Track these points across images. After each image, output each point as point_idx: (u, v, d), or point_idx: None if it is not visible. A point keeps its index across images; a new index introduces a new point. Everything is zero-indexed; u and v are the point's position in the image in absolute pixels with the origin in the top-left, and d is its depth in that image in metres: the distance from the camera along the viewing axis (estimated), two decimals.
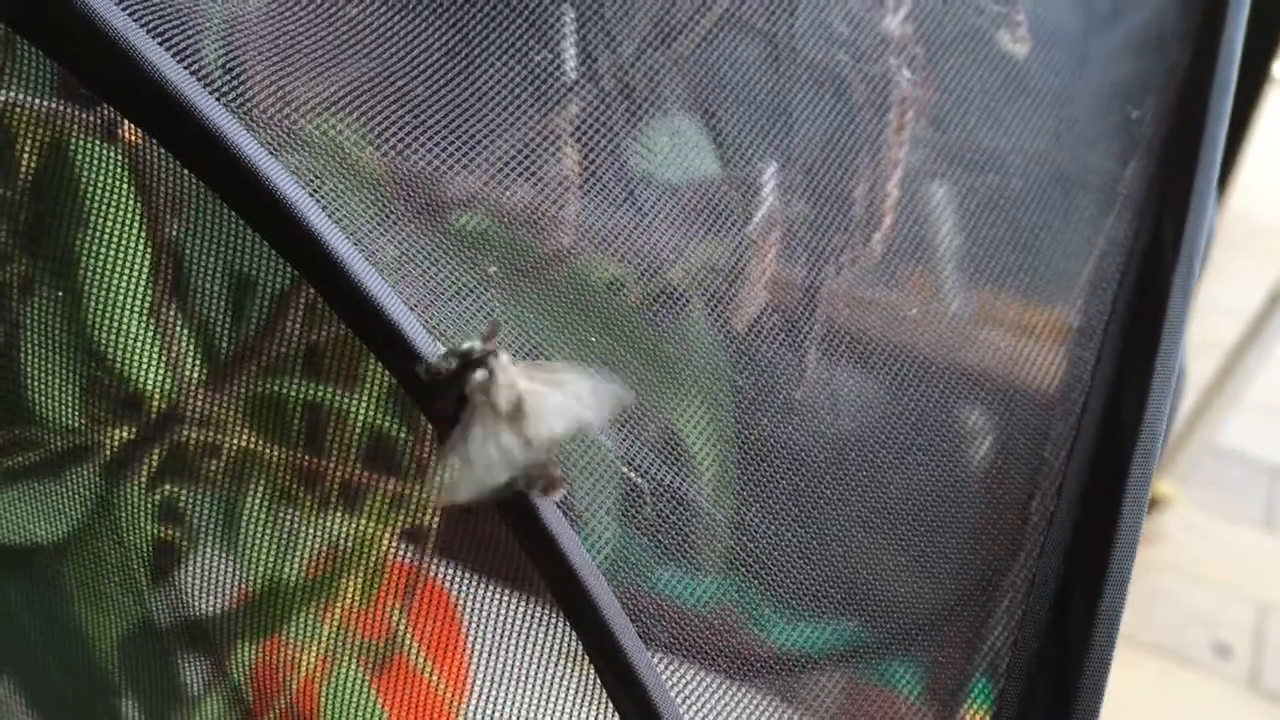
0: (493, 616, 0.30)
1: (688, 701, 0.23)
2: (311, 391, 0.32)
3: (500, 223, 0.24)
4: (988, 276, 0.27)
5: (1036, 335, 0.26)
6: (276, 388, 0.32)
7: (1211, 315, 1.02)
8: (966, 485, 0.32)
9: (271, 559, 0.30)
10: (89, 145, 0.28)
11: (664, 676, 0.21)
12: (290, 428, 0.32)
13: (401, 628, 0.31)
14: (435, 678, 0.31)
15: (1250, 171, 0.90)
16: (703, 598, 0.30)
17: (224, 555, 0.30)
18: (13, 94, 0.27)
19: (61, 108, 0.26)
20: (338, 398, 0.32)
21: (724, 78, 0.25)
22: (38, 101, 0.27)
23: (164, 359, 0.30)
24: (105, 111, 0.26)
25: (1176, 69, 0.28)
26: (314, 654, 0.30)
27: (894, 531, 0.31)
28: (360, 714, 0.29)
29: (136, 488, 0.30)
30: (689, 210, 0.27)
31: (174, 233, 0.29)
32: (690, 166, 0.27)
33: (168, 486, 0.31)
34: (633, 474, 0.23)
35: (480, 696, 0.31)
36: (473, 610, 0.31)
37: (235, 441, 0.31)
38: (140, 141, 0.24)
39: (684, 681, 0.25)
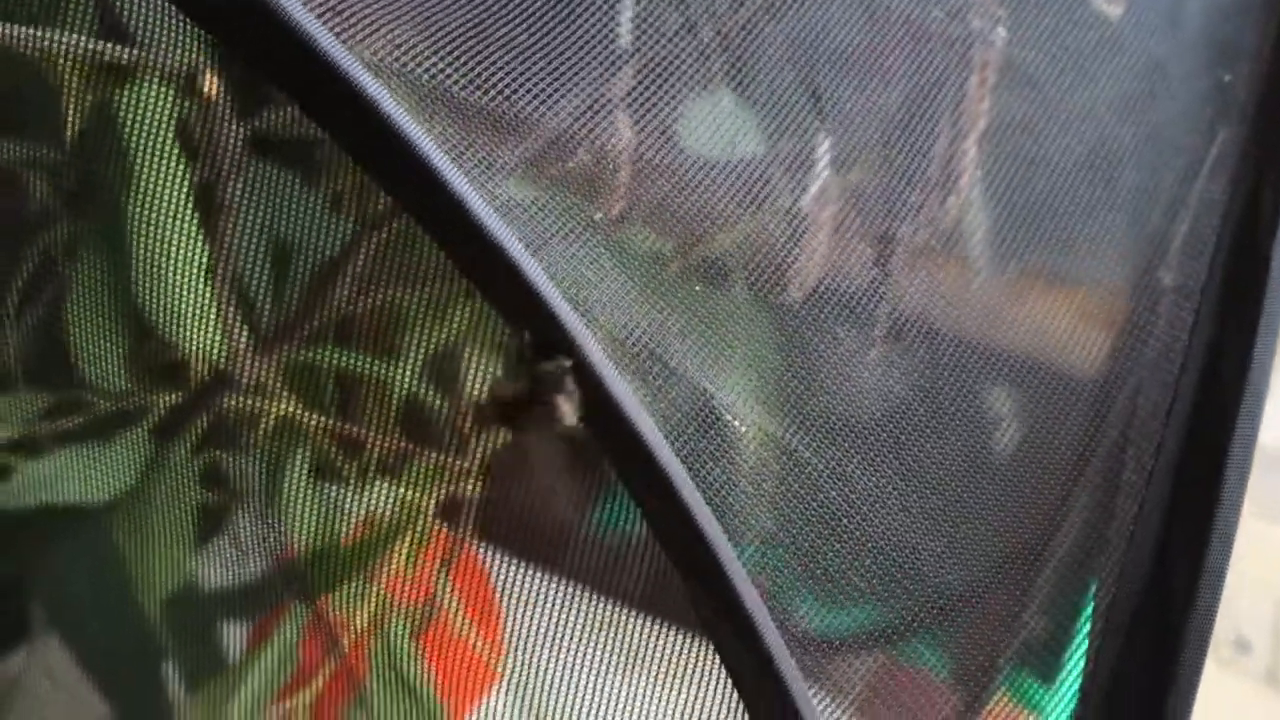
0: (523, 587, 0.31)
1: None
2: (356, 361, 0.32)
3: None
4: (1081, 234, 0.27)
5: (1115, 297, 0.26)
6: (323, 356, 0.32)
7: None
8: (1003, 464, 0.32)
9: (319, 523, 0.30)
10: (139, 102, 0.28)
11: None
12: (335, 395, 0.32)
13: (444, 589, 0.31)
14: (475, 637, 0.31)
15: None
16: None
17: (271, 519, 0.31)
18: (73, 38, 0.27)
19: (138, 54, 0.26)
20: (383, 367, 0.32)
21: (822, 32, 0.24)
22: (102, 46, 0.27)
23: (211, 323, 0.30)
24: (189, 58, 0.26)
25: (1268, 35, 0.28)
26: (365, 614, 0.30)
27: (932, 510, 0.32)
28: (408, 672, 0.29)
29: (183, 452, 0.30)
30: (745, 181, 0.27)
31: (225, 196, 0.29)
32: (745, 141, 0.27)
33: (214, 451, 0.31)
34: (734, 420, 0.23)
35: (515, 658, 0.31)
36: (504, 579, 0.31)
37: (283, 407, 0.31)
38: (214, 97, 0.24)
39: None
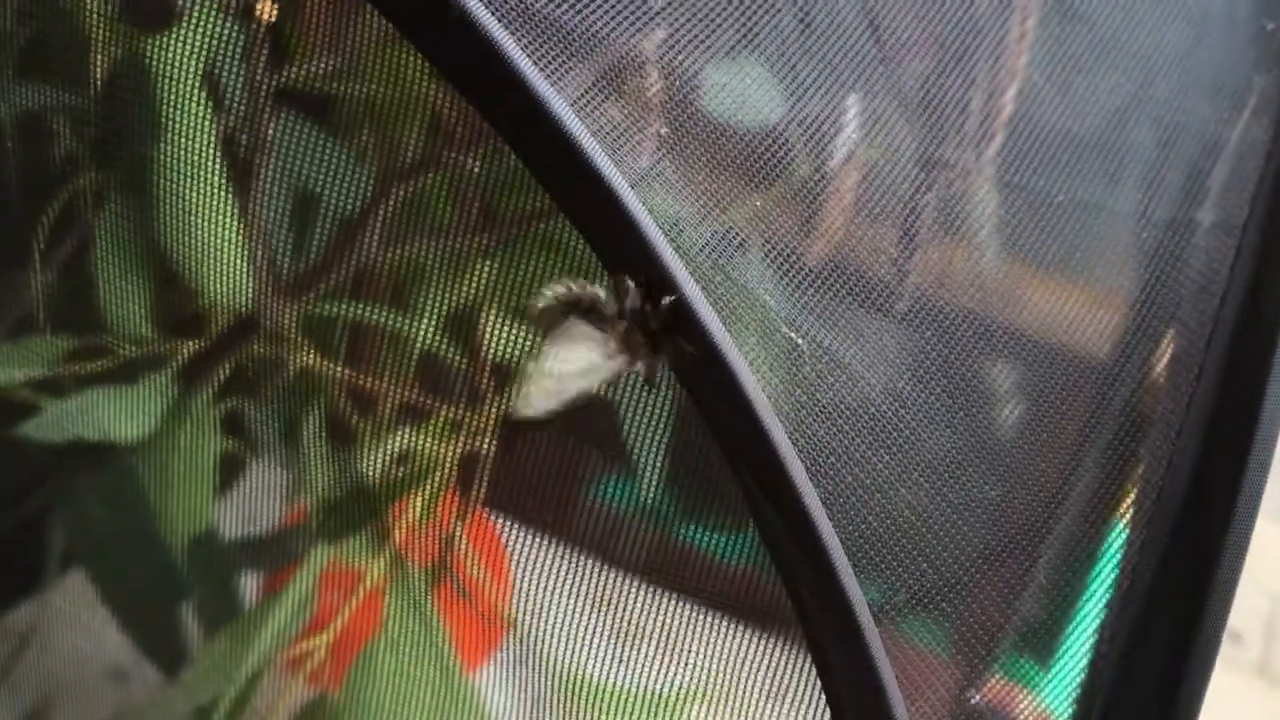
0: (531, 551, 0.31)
1: None
2: (377, 314, 0.33)
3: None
4: (1129, 171, 0.27)
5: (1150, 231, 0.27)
6: (345, 309, 0.32)
7: None
8: (1007, 441, 0.32)
9: (337, 473, 0.31)
10: (167, 50, 0.28)
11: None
12: (354, 347, 0.33)
13: (460, 541, 0.32)
14: (489, 588, 0.31)
15: None
16: (740, 550, 0.31)
17: (289, 468, 0.31)
18: None
19: None
20: (404, 321, 0.33)
21: None
22: None
23: (235, 272, 0.30)
24: None
25: None
26: (381, 564, 0.30)
27: (934, 490, 0.32)
28: (422, 623, 0.29)
29: (206, 398, 0.30)
30: (769, 148, 0.27)
31: (250, 145, 0.29)
32: (767, 104, 0.28)
33: (236, 399, 0.31)
34: (794, 335, 0.23)
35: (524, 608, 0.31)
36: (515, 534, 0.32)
37: (305, 358, 0.32)
38: (268, 19, 0.24)
39: None
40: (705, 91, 0.27)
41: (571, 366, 0.23)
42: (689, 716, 0.33)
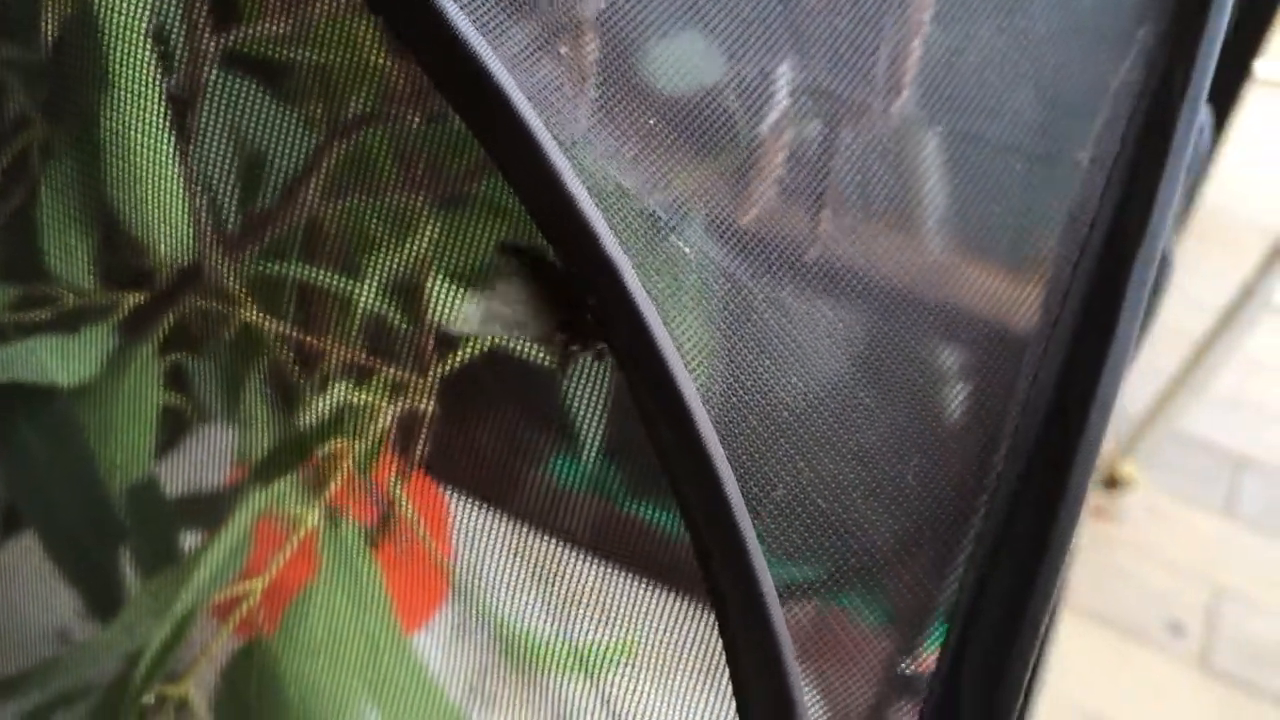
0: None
1: None
2: (319, 275, 0.33)
3: None
4: (1008, 112, 0.28)
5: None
6: (287, 268, 0.33)
7: (1181, 307, 1.04)
8: (936, 415, 0.33)
9: (276, 429, 0.31)
10: (115, 5, 0.29)
11: None
12: (297, 306, 0.33)
13: (401, 499, 0.32)
14: (430, 547, 0.32)
15: (1226, 169, 0.92)
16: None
17: (230, 421, 0.31)
18: None
19: None
20: (342, 280, 0.33)
21: None
22: None
23: (178, 224, 0.31)
24: None
25: None
26: (315, 514, 0.31)
27: (868, 458, 0.32)
28: (357, 571, 0.30)
29: (148, 351, 0.31)
30: (702, 117, 0.28)
31: (193, 98, 0.30)
32: (699, 70, 0.28)
33: (178, 353, 0.32)
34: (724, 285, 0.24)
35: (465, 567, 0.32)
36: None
37: (244, 313, 0.32)
38: None
39: None
40: (642, 56, 0.28)
41: (507, 312, 0.24)
42: (620, 678, 0.34)
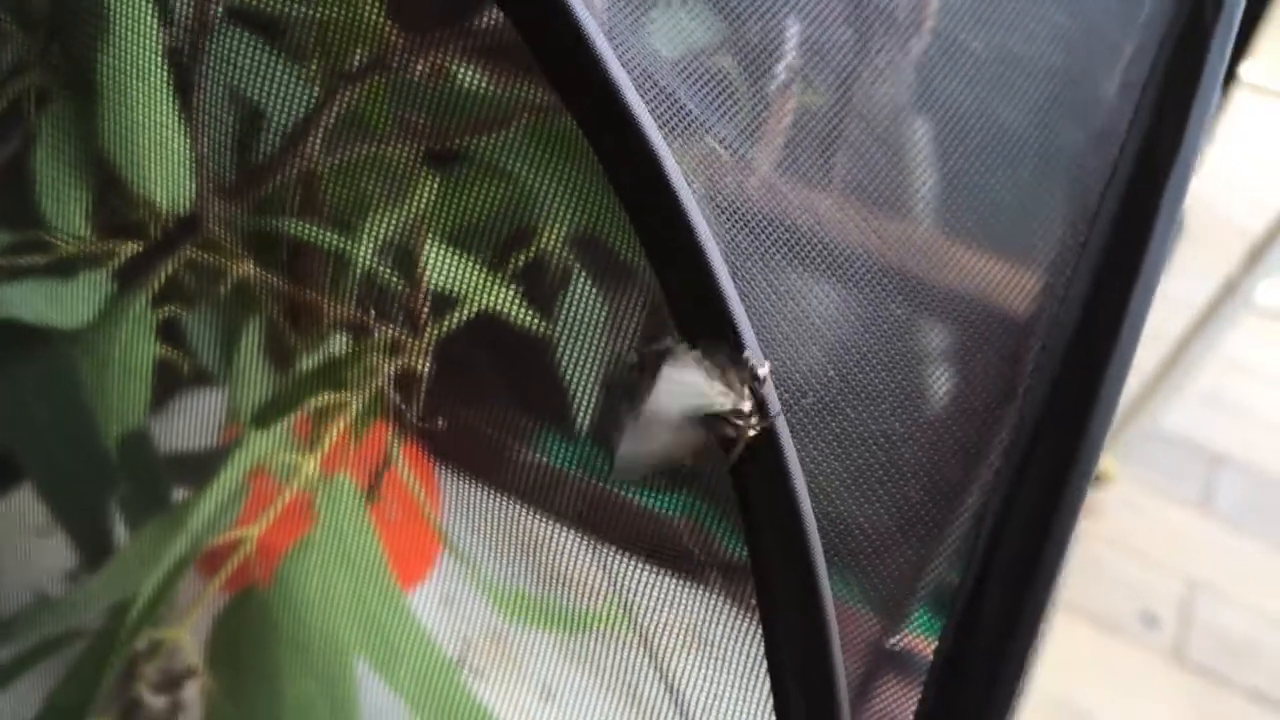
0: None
1: None
2: (316, 232, 0.33)
3: None
4: (1038, 41, 0.28)
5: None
6: (285, 224, 0.32)
7: (1161, 306, 1.05)
8: (929, 403, 0.33)
9: (270, 384, 0.31)
10: None
11: None
12: (293, 261, 0.33)
13: (397, 455, 0.32)
14: (425, 504, 0.32)
15: (1205, 169, 0.93)
16: (674, 505, 0.31)
17: (224, 374, 0.31)
18: None
19: None
20: (340, 239, 0.33)
21: None
22: None
23: (175, 175, 0.31)
24: None
25: None
26: (311, 464, 0.31)
27: (851, 460, 0.32)
28: (352, 526, 0.30)
29: (144, 301, 0.31)
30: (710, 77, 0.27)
31: (194, 49, 0.30)
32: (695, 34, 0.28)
33: (173, 305, 0.31)
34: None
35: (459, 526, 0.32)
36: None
37: (241, 266, 0.32)
38: None
39: None
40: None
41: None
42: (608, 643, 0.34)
